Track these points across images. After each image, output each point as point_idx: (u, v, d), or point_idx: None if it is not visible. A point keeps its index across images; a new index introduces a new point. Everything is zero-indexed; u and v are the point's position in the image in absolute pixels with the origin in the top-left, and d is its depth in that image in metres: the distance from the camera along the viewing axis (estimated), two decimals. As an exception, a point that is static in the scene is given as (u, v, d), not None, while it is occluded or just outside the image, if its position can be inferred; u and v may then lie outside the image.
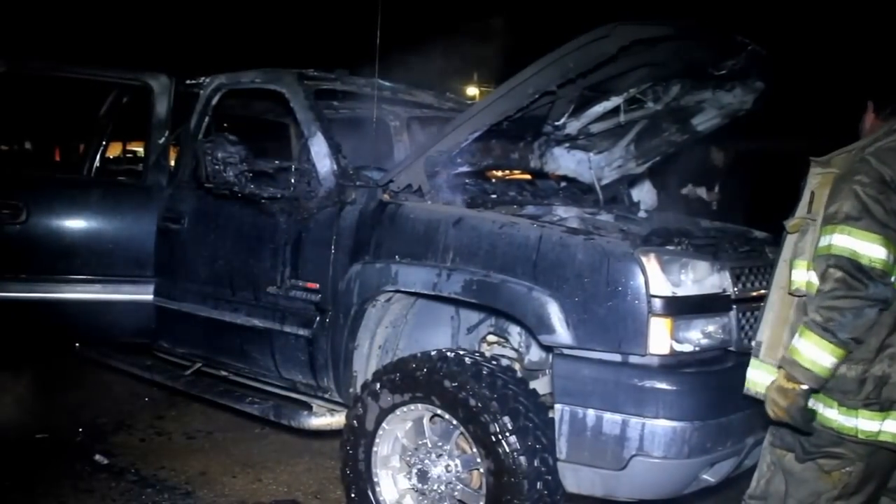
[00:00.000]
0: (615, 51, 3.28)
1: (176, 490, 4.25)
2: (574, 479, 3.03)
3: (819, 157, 2.51)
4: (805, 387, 2.38)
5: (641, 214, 4.60)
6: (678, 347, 2.91)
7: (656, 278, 2.88)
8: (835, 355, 2.33)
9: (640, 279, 2.88)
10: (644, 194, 4.84)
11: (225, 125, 4.76)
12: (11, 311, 4.53)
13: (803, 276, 2.47)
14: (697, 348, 2.97)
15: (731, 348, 3.07)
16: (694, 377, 2.89)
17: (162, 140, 4.75)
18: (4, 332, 4.70)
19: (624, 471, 2.91)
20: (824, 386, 2.41)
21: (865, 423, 2.38)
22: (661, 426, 2.83)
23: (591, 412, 2.93)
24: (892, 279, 2.31)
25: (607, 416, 2.90)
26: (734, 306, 3.08)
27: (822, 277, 2.36)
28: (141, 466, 4.56)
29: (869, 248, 2.28)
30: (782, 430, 2.57)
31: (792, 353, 2.39)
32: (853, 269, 2.29)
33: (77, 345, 5.23)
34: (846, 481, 2.48)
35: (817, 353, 2.33)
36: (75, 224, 4.63)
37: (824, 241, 2.36)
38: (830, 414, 2.43)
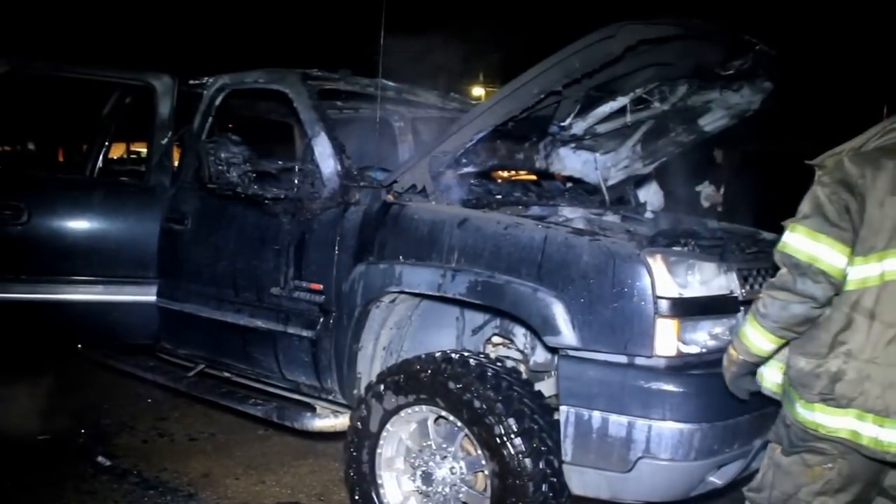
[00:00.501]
0: (621, 51, 3.26)
1: (178, 492, 4.24)
2: (580, 481, 3.01)
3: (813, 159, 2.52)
4: (741, 357, 2.57)
5: (648, 215, 4.59)
6: (685, 349, 2.89)
7: (663, 279, 2.86)
8: (766, 338, 2.47)
9: (647, 280, 2.85)
10: (651, 195, 4.82)
11: (229, 125, 4.74)
12: (13, 312, 4.52)
13: None
14: (704, 350, 2.94)
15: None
16: (701, 379, 2.86)
17: (165, 140, 4.74)
18: (6, 334, 4.69)
19: (630, 473, 2.89)
20: (762, 365, 2.63)
21: (824, 419, 2.39)
22: (668, 428, 2.81)
23: (596, 414, 2.91)
24: (839, 278, 2.33)
25: (613, 417, 2.88)
26: (742, 308, 3.05)
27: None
28: (143, 468, 4.55)
29: (809, 246, 2.34)
30: (778, 422, 2.60)
31: (739, 327, 2.61)
32: (790, 264, 2.38)
33: (79, 346, 5.22)
34: (828, 477, 2.48)
35: (751, 332, 2.50)
36: (77, 225, 4.62)
37: (782, 237, 2.46)
38: (797, 407, 2.46)
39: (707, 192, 8.10)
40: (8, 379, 5.34)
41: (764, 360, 2.59)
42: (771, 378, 2.62)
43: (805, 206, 2.40)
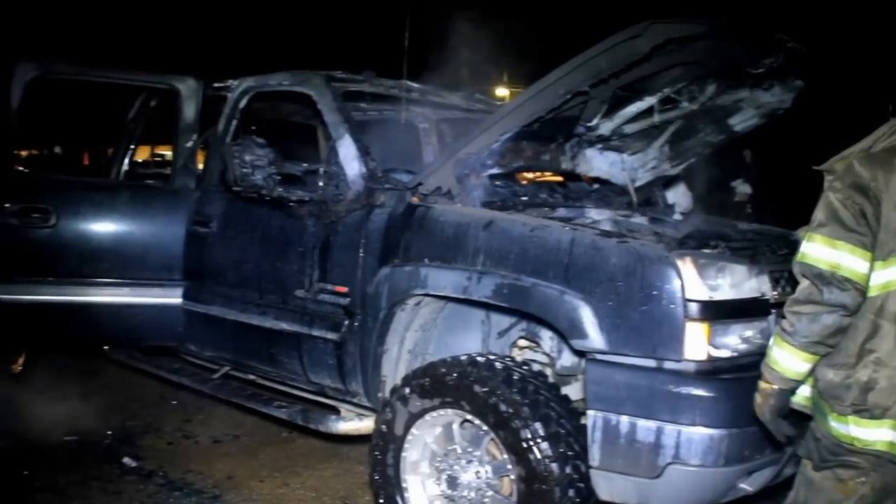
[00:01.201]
0: (648, 50, 3.22)
1: (203, 493, 4.25)
2: (607, 486, 2.97)
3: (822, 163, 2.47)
4: (775, 387, 2.42)
5: (676, 217, 4.53)
6: (715, 353, 2.84)
7: (692, 282, 2.82)
8: (800, 358, 2.34)
9: (676, 283, 2.81)
10: (679, 196, 4.76)
11: (252, 128, 4.75)
12: (41, 313, 4.56)
13: None
14: (735, 354, 2.89)
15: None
16: (732, 384, 2.81)
17: (190, 143, 4.75)
18: (34, 336, 4.73)
19: (659, 479, 2.84)
20: (797, 387, 2.46)
21: (858, 431, 2.32)
22: (698, 433, 2.76)
23: (624, 419, 2.87)
24: (864, 283, 2.26)
25: (641, 422, 2.84)
26: (773, 311, 3.00)
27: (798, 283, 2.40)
28: (168, 469, 4.57)
29: (829, 254, 2.26)
30: (808, 437, 2.52)
31: (766, 355, 2.44)
32: (812, 275, 2.29)
33: (105, 348, 5.26)
34: (862, 492, 2.41)
35: (782, 356, 2.37)
36: (104, 227, 4.65)
37: (799, 248, 2.38)
38: (830, 420, 2.39)
39: (741, 189, 8.07)
40: (35, 380, 5.39)
41: (800, 384, 2.46)
42: (800, 391, 2.52)
43: (819, 214, 2.33)
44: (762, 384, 2.45)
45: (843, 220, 2.27)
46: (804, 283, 2.34)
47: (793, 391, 2.46)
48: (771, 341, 2.43)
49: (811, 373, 2.40)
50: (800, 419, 2.54)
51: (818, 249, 2.29)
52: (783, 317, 2.39)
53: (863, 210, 2.25)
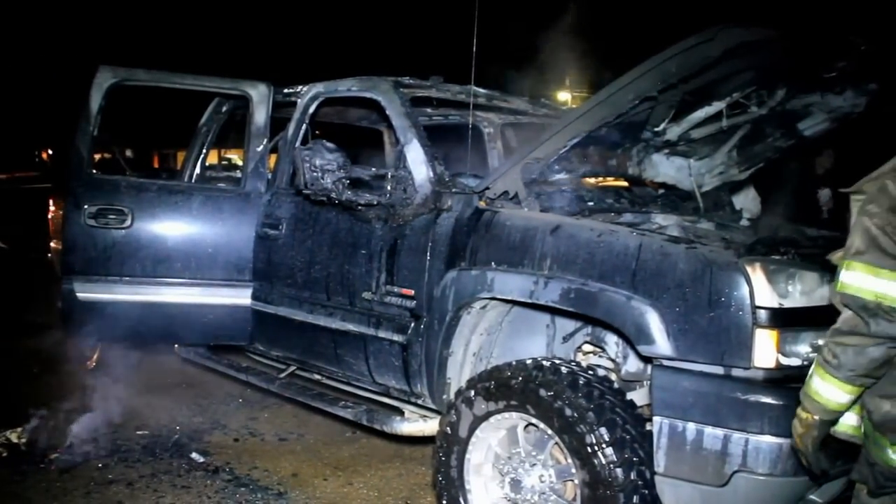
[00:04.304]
0: (720, 54, 3.20)
1: (268, 490, 4.34)
2: (672, 493, 2.94)
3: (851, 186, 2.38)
4: (816, 417, 2.34)
5: (743, 222, 4.47)
6: (784, 361, 2.79)
7: (762, 289, 2.78)
8: (843, 390, 2.25)
9: (745, 290, 2.78)
10: (748, 202, 4.68)
11: (317, 132, 4.82)
12: (116, 311, 4.69)
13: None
14: (805, 362, 2.83)
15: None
16: (802, 392, 2.78)
17: (260, 147, 4.84)
18: (108, 332, 4.87)
19: (726, 487, 2.81)
20: (836, 419, 2.37)
21: None
22: (767, 442, 2.73)
23: (691, 426, 2.85)
24: None
25: (708, 430, 2.82)
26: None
27: (837, 313, 2.29)
28: (235, 466, 4.69)
29: (874, 284, 2.15)
30: (861, 461, 2.44)
31: (806, 384, 2.36)
32: (857, 307, 2.18)
33: (176, 346, 5.39)
34: None
35: (824, 387, 2.28)
36: (177, 229, 4.77)
37: (838, 277, 2.27)
38: (890, 453, 2.30)
39: (825, 198, 7.95)
40: (108, 376, 5.55)
41: (841, 415, 2.37)
42: (845, 421, 2.43)
43: (857, 241, 2.21)
44: (802, 414, 2.38)
45: (884, 247, 2.15)
46: (847, 314, 2.23)
47: (833, 422, 2.38)
48: (811, 371, 2.35)
49: (853, 403, 2.32)
50: (843, 446, 2.47)
51: (860, 279, 2.18)
52: (822, 347, 2.30)
53: None
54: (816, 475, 2.55)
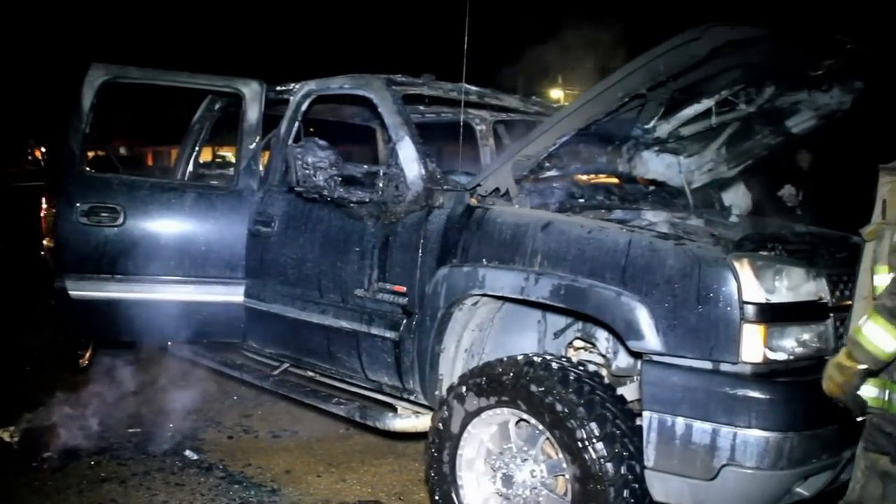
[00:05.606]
0: (707, 52, 3.22)
1: (262, 487, 4.35)
2: (662, 487, 2.97)
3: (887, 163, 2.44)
4: (863, 366, 2.43)
5: (732, 219, 4.50)
6: (772, 356, 2.83)
7: (749, 284, 2.82)
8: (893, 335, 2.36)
9: (733, 285, 2.81)
10: (738, 198, 4.72)
11: (311, 130, 4.83)
12: (108, 309, 4.70)
13: (885, 279, 2.46)
14: (792, 357, 2.88)
15: (828, 357, 2.95)
16: (788, 386, 2.81)
17: (253, 145, 4.84)
18: (101, 330, 4.87)
19: (714, 481, 2.84)
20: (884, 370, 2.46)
21: None
22: (754, 436, 2.76)
23: (680, 420, 2.88)
24: None
25: (697, 424, 2.85)
26: (831, 314, 2.98)
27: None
28: (229, 463, 4.69)
29: None
30: (875, 433, 2.52)
31: (856, 332, 2.44)
32: None
33: (169, 343, 5.39)
34: None
35: (882, 337, 2.37)
36: (170, 227, 4.77)
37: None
38: None
39: (788, 194, 7.97)
40: (101, 373, 5.56)
41: (887, 366, 2.46)
42: (867, 393, 2.52)
43: None
44: (847, 362, 2.46)
45: None
46: None
47: (874, 373, 2.48)
48: (864, 320, 2.43)
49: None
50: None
51: None
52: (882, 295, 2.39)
53: None
54: (855, 415, 2.59)
